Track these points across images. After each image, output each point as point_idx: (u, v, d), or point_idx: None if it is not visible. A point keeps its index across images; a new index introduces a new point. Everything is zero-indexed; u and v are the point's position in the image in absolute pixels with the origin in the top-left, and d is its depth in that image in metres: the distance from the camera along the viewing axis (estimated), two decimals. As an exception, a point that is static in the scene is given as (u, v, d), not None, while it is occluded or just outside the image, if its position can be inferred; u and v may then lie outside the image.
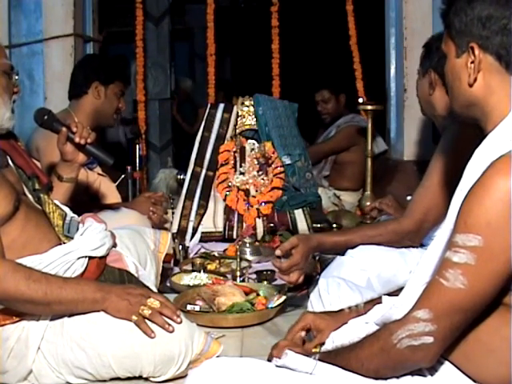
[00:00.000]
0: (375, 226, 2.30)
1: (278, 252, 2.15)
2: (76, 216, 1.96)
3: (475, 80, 1.23)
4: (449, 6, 1.27)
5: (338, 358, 1.27)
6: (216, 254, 2.90)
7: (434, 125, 2.39)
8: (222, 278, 2.49)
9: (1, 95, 1.83)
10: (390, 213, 2.68)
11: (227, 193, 3.32)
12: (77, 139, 2.06)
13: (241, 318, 2.08)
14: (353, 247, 2.19)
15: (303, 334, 1.55)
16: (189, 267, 2.70)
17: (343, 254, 2.22)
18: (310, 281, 2.40)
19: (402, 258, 2.13)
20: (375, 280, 2.10)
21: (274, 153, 3.38)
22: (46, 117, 2.11)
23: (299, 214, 3.29)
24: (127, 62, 5.15)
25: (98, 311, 1.64)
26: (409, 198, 2.34)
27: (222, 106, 3.55)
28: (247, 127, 3.45)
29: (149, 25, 5.36)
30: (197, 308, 2.13)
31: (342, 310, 1.61)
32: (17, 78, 1.94)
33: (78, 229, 1.90)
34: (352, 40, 4.38)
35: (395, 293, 1.42)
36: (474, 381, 1.19)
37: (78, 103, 2.92)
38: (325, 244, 2.21)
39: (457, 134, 1.98)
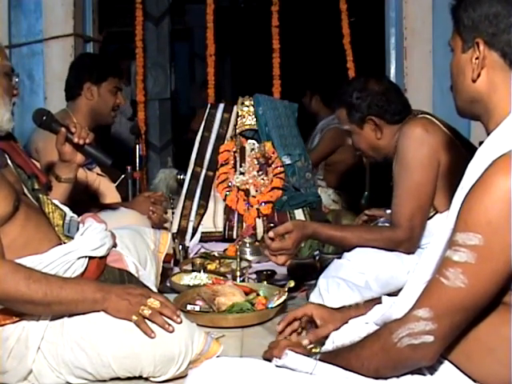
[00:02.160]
0: (372, 230, 2.31)
1: (270, 234, 2.18)
2: (76, 216, 1.96)
3: (479, 76, 1.23)
4: (458, 2, 1.28)
5: (338, 357, 1.27)
6: (216, 254, 2.91)
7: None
8: (221, 278, 2.49)
9: (1, 96, 1.83)
10: (384, 216, 2.68)
11: (227, 193, 3.32)
12: (75, 139, 2.06)
13: (241, 318, 2.08)
14: (348, 248, 2.20)
15: (296, 324, 1.57)
16: (189, 267, 2.70)
17: (340, 257, 2.24)
18: (310, 281, 2.41)
19: (398, 260, 2.15)
20: (373, 282, 2.12)
21: (273, 153, 3.38)
22: (44, 117, 2.11)
23: (299, 214, 3.29)
24: (127, 53, 5.13)
25: (98, 311, 1.63)
26: (388, 211, 2.36)
27: (221, 105, 3.55)
28: (247, 127, 3.45)
29: (149, 25, 5.35)
30: (197, 308, 2.13)
31: (343, 307, 1.62)
32: (17, 80, 1.94)
33: (78, 229, 1.90)
34: (345, 39, 4.37)
35: (394, 294, 1.43)
36: (474, 380, 1.19)
37: (74, 104, 2.92)
38: (320, 234, 2.22)
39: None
